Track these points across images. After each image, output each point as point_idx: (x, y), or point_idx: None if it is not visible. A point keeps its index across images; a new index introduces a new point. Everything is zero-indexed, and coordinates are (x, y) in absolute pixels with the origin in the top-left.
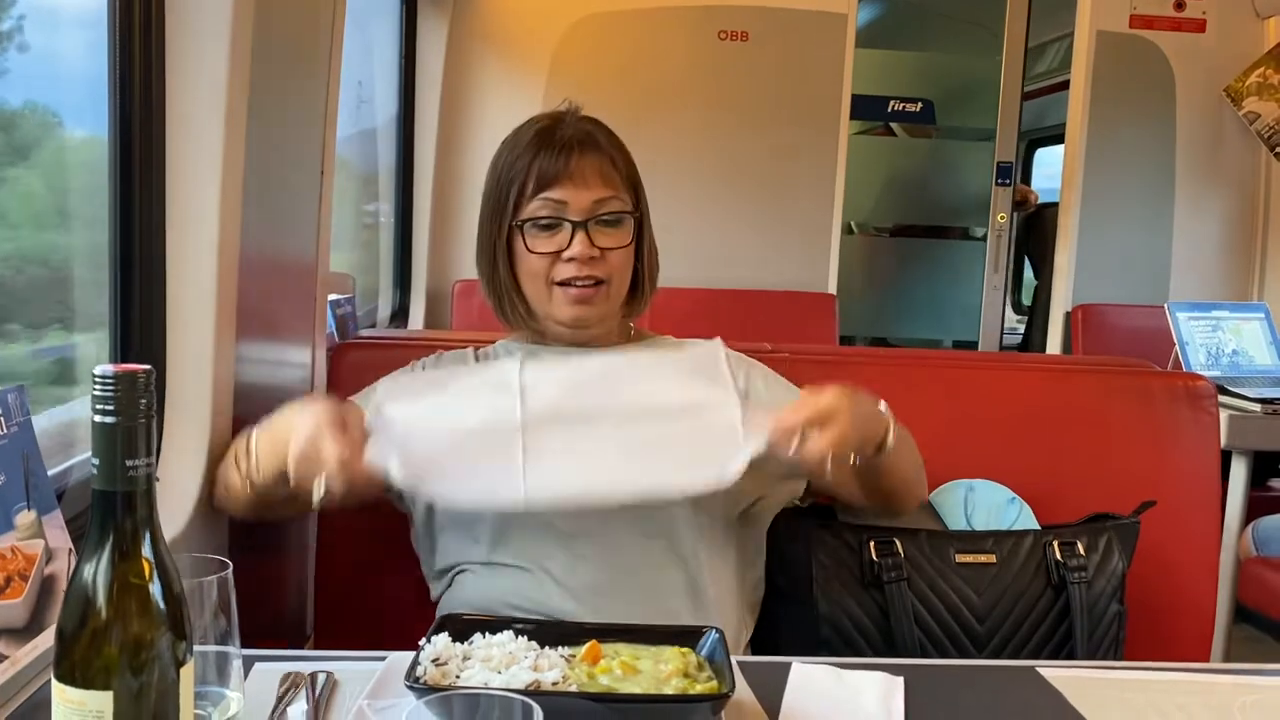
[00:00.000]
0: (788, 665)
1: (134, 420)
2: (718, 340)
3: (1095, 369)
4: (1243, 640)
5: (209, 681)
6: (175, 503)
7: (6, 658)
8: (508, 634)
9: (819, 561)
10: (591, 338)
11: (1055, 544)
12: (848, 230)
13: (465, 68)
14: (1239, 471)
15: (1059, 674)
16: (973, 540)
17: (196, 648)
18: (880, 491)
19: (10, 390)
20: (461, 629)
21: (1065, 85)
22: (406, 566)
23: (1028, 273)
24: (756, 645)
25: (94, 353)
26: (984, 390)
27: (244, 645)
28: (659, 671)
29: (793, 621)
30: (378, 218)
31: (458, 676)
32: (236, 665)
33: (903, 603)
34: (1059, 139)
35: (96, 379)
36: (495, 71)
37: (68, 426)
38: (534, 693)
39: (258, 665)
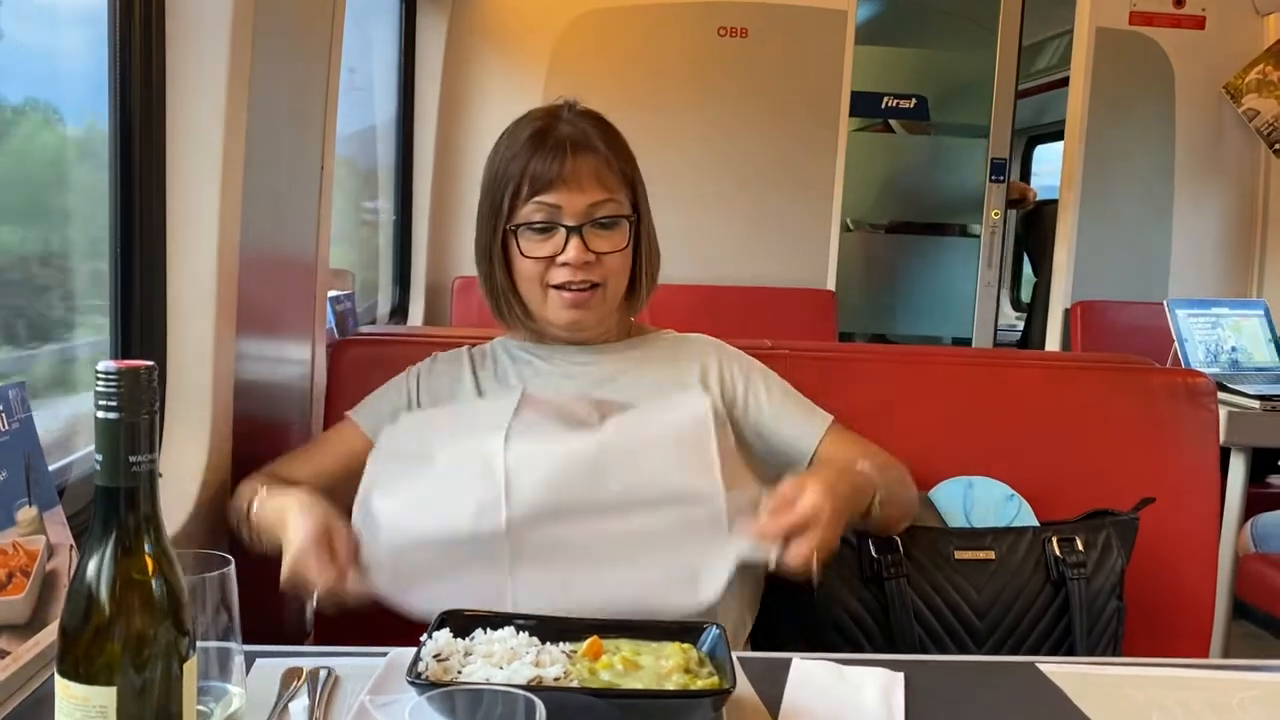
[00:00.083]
0: (788, 661)
1: (137, 416)
2: (705, 403)
3: (1095, 366)
4: (1241, 637)
5: (211, 677)
6: (176, 499)
7: (8, 654)
8: (509, 630)
9: (820, 560)
10: (589, 338)
11: (1054, 540)
12: (845, 227)
13: (465, 64)
14: (1238, 468)
15: (1059, 670)
16: (972, 537)
17: (199, 644)
18: (870, 526)
19: (11, 387)
20: (463, 625)
21: (1065, 82)
22: None
23: (1027, 269)
24: (757, 641)
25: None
26: (983, 387)
27: (246, 641)
28: (660, 667)
29: (793, 618)
30: (377, 214)
31: (459, 672)
32: (238, 661)
33: (902, 599)
34: (1059, 136)
35: (99, 375)
36: (495, 67)
37: None
38: (536, 688)
39: (259, 661)
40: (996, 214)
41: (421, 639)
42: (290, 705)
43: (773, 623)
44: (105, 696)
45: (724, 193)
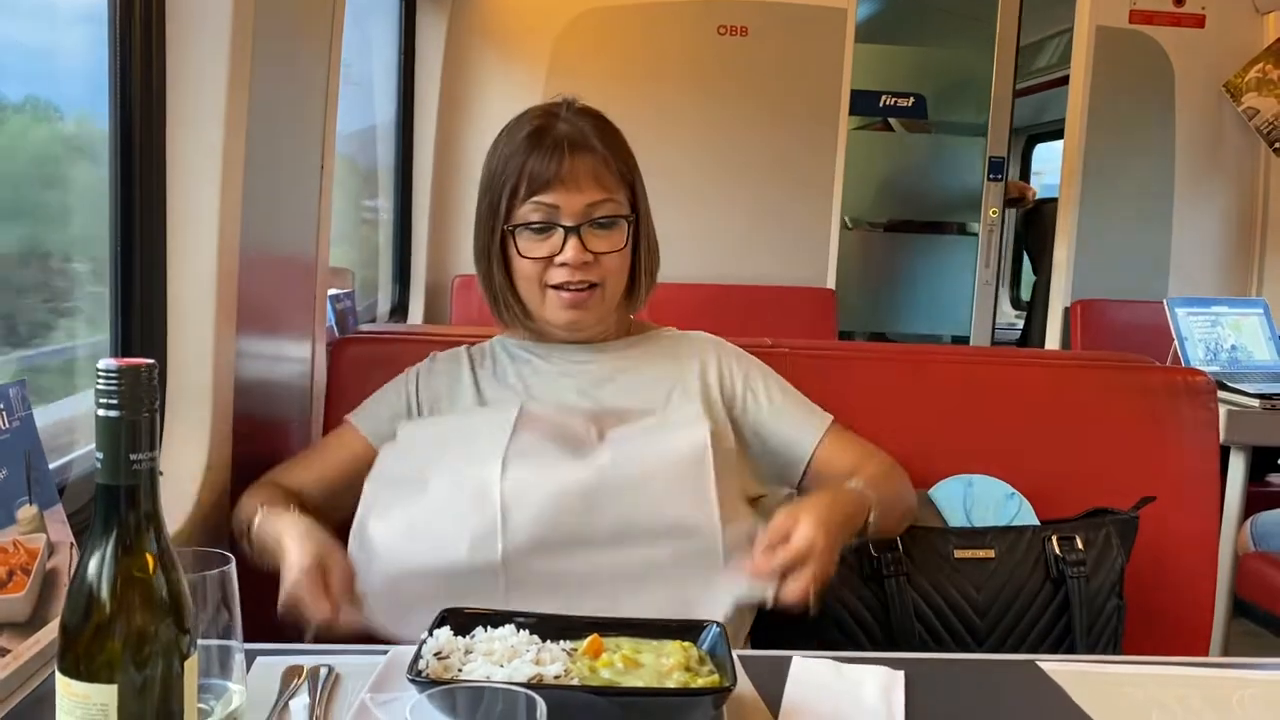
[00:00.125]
0: (789, 659)
1: (138, 414)
2: (705, 432)
3: (1095, 364)
4: (1241, 635)
5: (212, 675)
6: (177, 497)
7: (9, 652)
8: (509, 627)
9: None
10: (588, 337)
11: (1054, 539)
12: (844, 225)
13: (464, 62)
14: (1237, 466)
15: (1059, 668)
16: (972, 536)
17: (199, 641)
18: (867, 537)
19: (12, 385)
20: (463, 623)
21: (1065, 81)
22: None
23: (1026, 268)
24: (757, 639)
25: None
26: (983, 385)
27: (246, 639)
28: (661, 665)
29: (793, 616)
30: (377, 213)
31: (460, 670)
32: (239, 659)
33: (903, 598)
34: (1058, 135)
35: (100, 373)
36: (494, 66)
37: None
38: (536, 686)
39: (260, 659)
40: (994, 212)
41: (422, 637)
42: (291, 703)
43: (773, 621)
44: (106, 694)
45: (724, 191)
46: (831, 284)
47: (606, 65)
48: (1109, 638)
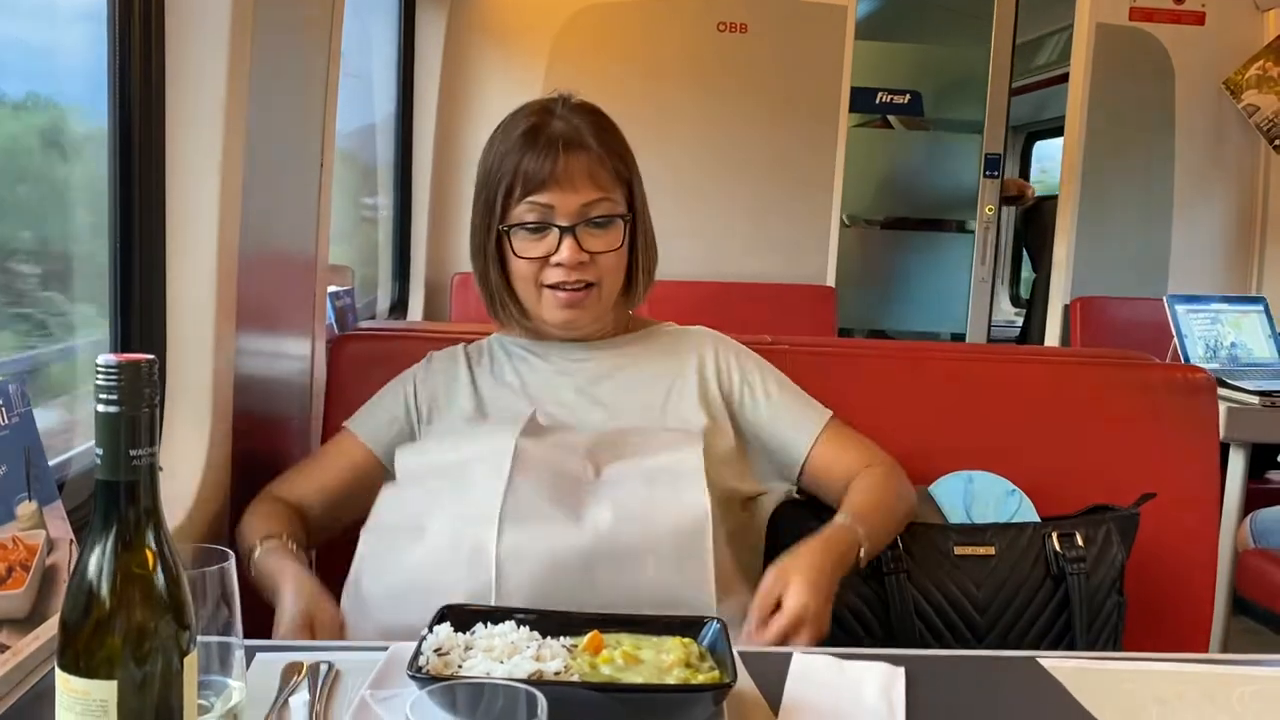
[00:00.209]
0: (789, 655)
1: (137, 410)
2: (706, 501)
3: (1095, 361)
4: (1241, 632)
5: (211, 672)
6: (177, 493)
7: (8, 648)
8: (510, 624)
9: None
10: (585, 335)
11: (1054, 535)
12: (843, 223)
13: (464, 59)
14: (1237, 464)
15: (1059, 664)
16: (972, 532)
17: (199, 638)
18: None
19: (11, 382)
20: (463, 619)
21: (1065, 78)
22: None
23: (1026, 265)
24: None
25: None
26: (983, 383)
27: (246, 636)
28: (661, 661)
29: None
30: (376, 210)
31: (460, 666)
32: (239, 655)
33: (902, 595)
34: (1058, 132)
35: (100, 369)
36: (494, 63)
37: None
38: (536, 682)
39: (260, 656)
40: (991, 210)
41: (422, 633)
42: (291, 700)
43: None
44: (106, 690)
45: (724, 188)
46: (831, 281)
47: (606, 62)
48: (1109, 634)
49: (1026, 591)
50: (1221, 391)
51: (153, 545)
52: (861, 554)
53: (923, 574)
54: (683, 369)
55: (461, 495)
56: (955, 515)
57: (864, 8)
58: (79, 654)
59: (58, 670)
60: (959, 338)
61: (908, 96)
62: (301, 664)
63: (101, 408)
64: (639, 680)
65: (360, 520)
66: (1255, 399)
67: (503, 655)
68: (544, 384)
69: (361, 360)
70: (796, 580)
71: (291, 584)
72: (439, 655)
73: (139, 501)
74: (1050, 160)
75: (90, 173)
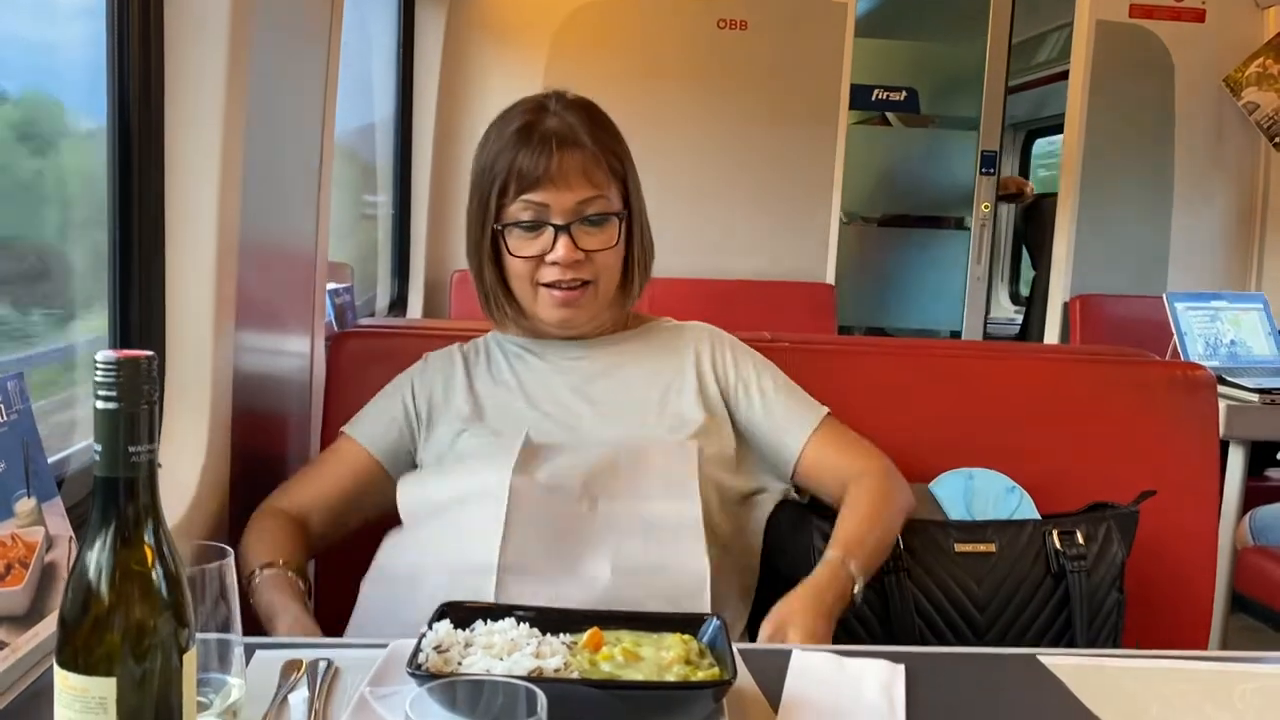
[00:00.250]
0: (789, 652)
1: (136, 406)
2: (705, 567)
3: (1094, 359)
4: (1240, 630)
5: (211, 669)
6: (176, 490)
7: (7, 645)
8: (509, 621)
9: (819, 550)
10: (582, 333)
11: (1055, 533)
12: (842, 220)
13: (463, 56)
14: (1236, 461)
15: (1059, 661)
16: (972, 530)
17: (198, 635)
18: None
19: (10, 377)
20: (463, 616)
21: (1064, 75)
22: None
23: (1025, 263)
24: (756, 632)
25: None
26: (983, 380)
27: (245, 632)
28: (661, 658)
29: None
30: (376, 207)
31: (459, 663)
32: (238, 652)
33: (902, 592)
34: (1058, 130)
35: (99, 365)
36: (493, 60)
37: None
38: (536, 679)
39: (259, 653)
40: (986, 207)
41: (422, 630)
42: (290, 697)
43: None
44: (104, 687)
45: (724, 186)
46: (831, 279)
47: (605, 59)
48: (1109, 632)
49: (1027, 589)
50: (1221, 389)
51: (151, 542)
52: (856, 590)
53: (923, 571)
54: (681, 365)
55: (458, 543)
56: (955, 512)
57: (862, 5)
58: (78, 651)
59: (56, 667)
60: (958, 335)
61: (904, 93)
62: (301, 661)
63: (100, 404)
64: (639, 677)
65: (362, 525)
66: (1254, 396)
67: (502, 652)
68: (541, 383)
69: (361, 357)
70: (794, 633)
71: (286, 624)
72: (439, 652)
73: (138, 498)
74: (1044, 160)
75: (63, 169)
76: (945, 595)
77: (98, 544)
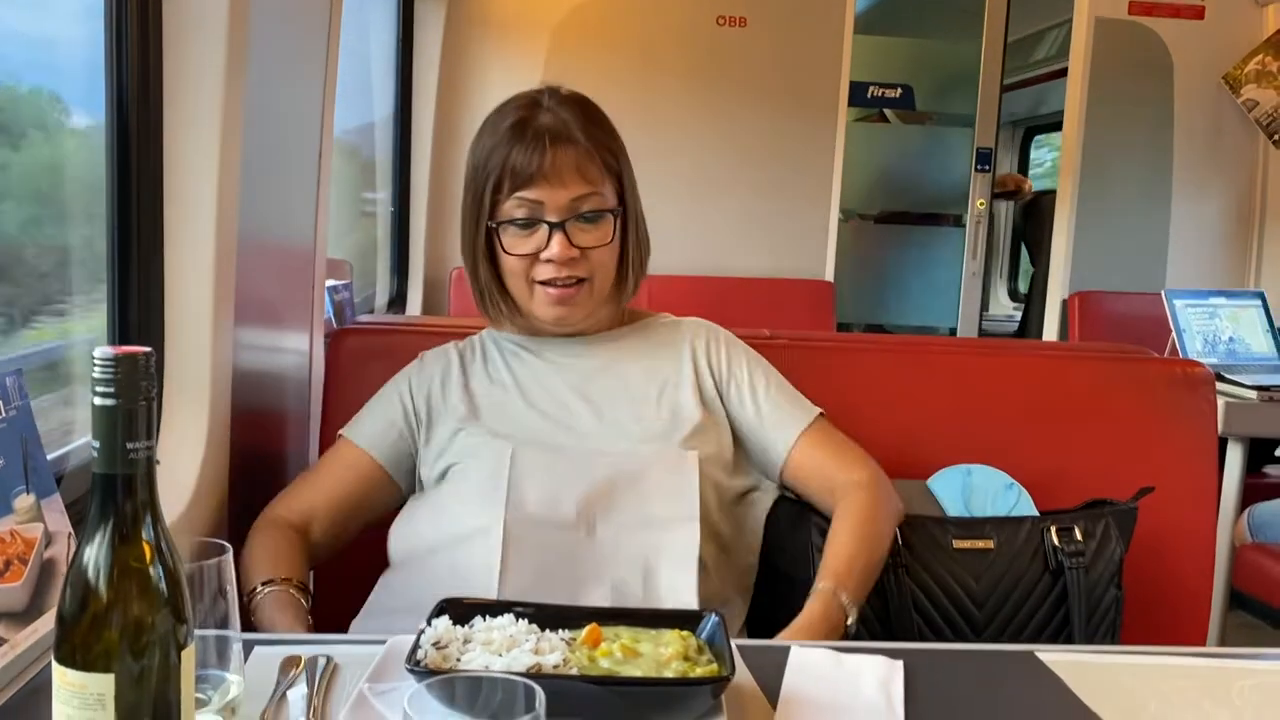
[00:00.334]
0: (787, 648)
1: (134, 402)
2: (694, 601)
3: (1093, 356)
4: (1238, 626)
5: (209, 665)
6: (175, 487)
7: (6, 641)
8: (508, 617)
9: (817, 547)
10: (578, 330)
11: (1053, 529)
12: (840, 217)
13: (462, 53)
14: (1235, 458)
15: (1057, 658)
16: (971, 526)
17: (197, 631)
18: None
19: (8, 374)
20: (462, 612)
21: (1063, 72)
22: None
23: (1024, 260)
24: (756, 629)
25: None
26: (982, 376)
27: (244, 629)
28: (659, 655)
29: (792, 606)
30: (375, 204)
31: (458, 660)
32: (236, 649)
33: (901, 589)
34: (1057, 127)
35: (97, 361)
36: (493, 56)
37: None
38: (535, 675)
39: (258, 649)
40: (982, 204)
41: (420, 626)
42: (289, 693)
43: (772, 611)
44: (103, 684)
45: (723, 183)
46: (830, 276)
47: (605, 55)
48: (1107, 628)
49: (1025, 585)
50: (1219, 386)
51: (150, 538)
52: (849, 621)
53: (921, 568)
54: (678, 361)
55: (454, 585)
56: (954, 509)
57: (860, 2)
58: (76, 647)
59: (55, 664)
60: (954, 333)
61: (899, 90)
62: (299, 657)
63: (99, 400)
64: (637, 673)
65: (364, 531)
66: (1253, 393)
67: (501, 648)
68: (538, 381)
69: (359, 354)
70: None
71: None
72: (437, 649)
73: (136, 495)
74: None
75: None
76: (944, 592)
77: (96, 540)
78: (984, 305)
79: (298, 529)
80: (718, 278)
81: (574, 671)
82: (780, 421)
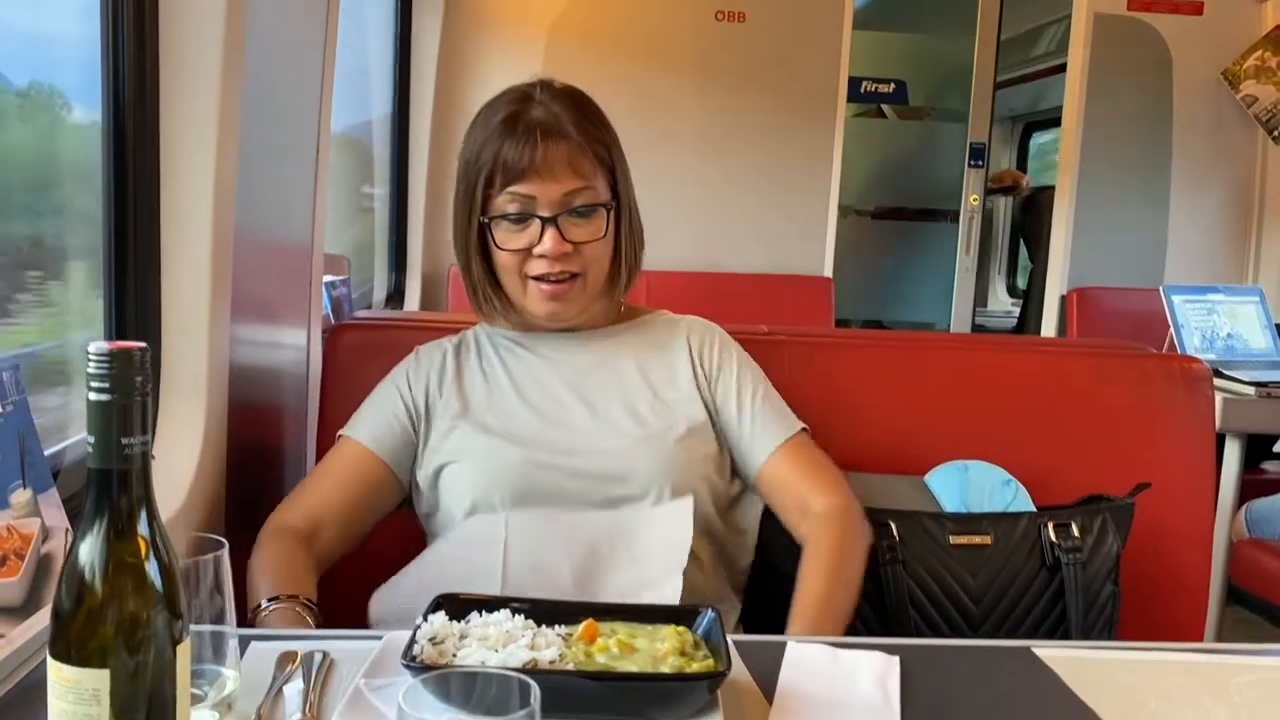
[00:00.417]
0: (783, 644)
1: (129, 398)
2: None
3: (1091, 351)
4: (1236, 622)
5: (205, 660)
6: (172, 482)
7: (2, 636)
8: (504, 612)
9: None
10: (572, 325)
11: (1050, 525)
12: (841, 213)
13: (460, 48)
14: (1232, 454)
15: (1054, 654)
16: (968, 522)
17: (193, 627)
18: None
19: (5, 369)
20: (458, 608)
21: (1062, 68)
22: (403, 546)
23: (1022, 256)
24: (753, 625)
25: None
26: (980, 372)
27: (240, 624)
28: (656, 650)
29: (789, 602)
30: (373, 200)
31: (454, 655)
32: (232, 644)
33: (898, 585)
34: (1056, 123)
35: (91, 356)
36: (490, 51)
37: None
38: (531, 671)
39: (254, 644)
40: (975, 199)
41: (417, 622)
42: (285, 688)
43: (769, 607)
44: (98, 679)
45: (721, 179)
46: (829, 272)
47: (603, 51)
48: (1104, 624)
49: (1022, 581)
50: (1217, 382)
51: (145, 534)
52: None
53: (918, 563)
54: (675, 359)
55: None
56: (951, 505)
57: None
58: (71, 643)
59: (50, 659)
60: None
61: (892, 85)
62: (296, 653)
63: (93, 396)
64: (633, 669)
65: (365, 536)
66: (1251, 390)
67: (497, 644)
68: (532, 377)
69: (357, 350)
70: None
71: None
72: (433, 644)
73: (131, 490)
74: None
75: None
76: (940, 587)
77: (91, 536)
78: (983, 301)
79: (305, 535)
80: (716, 273)
81: (570, 667)
82: (762, 430)
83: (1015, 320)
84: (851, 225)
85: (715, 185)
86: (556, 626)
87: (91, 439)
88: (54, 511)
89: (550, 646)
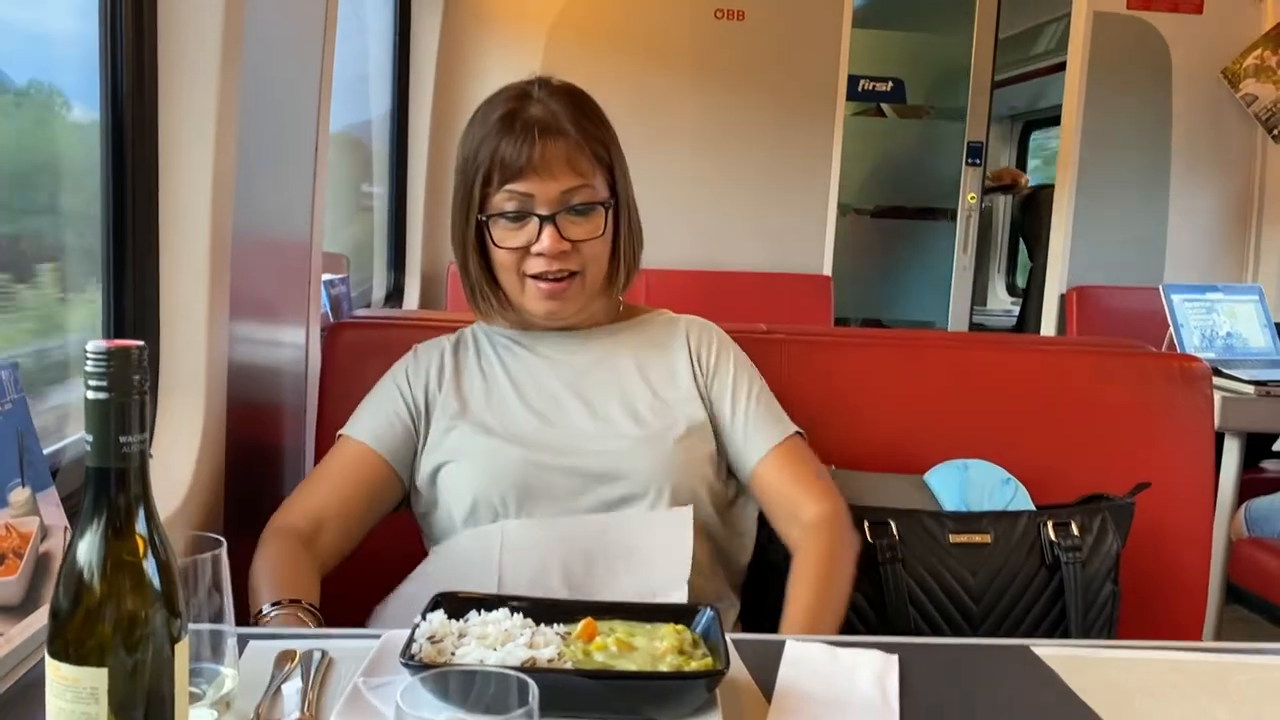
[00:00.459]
0: (782, 643)
1: (127, 396)
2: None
3: (1091, 350)
4: (1235, 621)
5: (203, 659)
6: (170, 481)
7: (1, 635)
8: (503, 611)
9: None
10: (571, 324)
11: (1050, 524)
12: (840, 212)
13: (460, 46)
14: (1232, 453)
15: (1053, 653)
16: (968, 521)
17: (191, 625)
18: None
19: (4, 367)
20: (457, 606)
21: (1062, 67)
22: (403, 545)
23: (1022, 255)
24: (752, 623)
25: None
26: (979, 371)
27: (238, 623)
28: (654, 649)
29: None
30: (372, 198)
31: (453, 654)
32: (231, 643)
33: (897, 583)
34: (1055, 121)
35: (89, 355)
36: (490, 50)
37: None
38: (530, 670)
39: (252, 643)
40: (973, 198)
41: (416, 621)
42: (283, 687)
43: (768, 605)
44: (96, 678)
45: (721, 177)
46: (828, 271)
47: (602, 49)
48: (1104, 623)
49: (1021, 580)
50: (1217, 381)
51: (143, 532)
52: None
53: (917, 562)
54: (675, 358)
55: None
56: (950, 503)
57: None
58: (69, 642)
59: (48, 658)
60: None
61: (890, 84)
62: (294, 651)
63: (91, 394)
64: (632, 668)
65: (366, 539)
66: (1250, 388)
67: (496, 643)
68: (531, 376)
69: (356, 348)
70: None
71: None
72: (432, 643)
73: (129, 488)
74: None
75: None
76: (940, 586)
77: (89, 534)
78: (983, 300)
79: (308, 537)
80: (715, 272)
81: (569, 665)
82: (756, 431)
83: (1015, 319)
84: (851, 224)
85: (714, 184)
86: (555, 625)
87: (90, 437)
88: (52, 510)
89: (549, 645)
